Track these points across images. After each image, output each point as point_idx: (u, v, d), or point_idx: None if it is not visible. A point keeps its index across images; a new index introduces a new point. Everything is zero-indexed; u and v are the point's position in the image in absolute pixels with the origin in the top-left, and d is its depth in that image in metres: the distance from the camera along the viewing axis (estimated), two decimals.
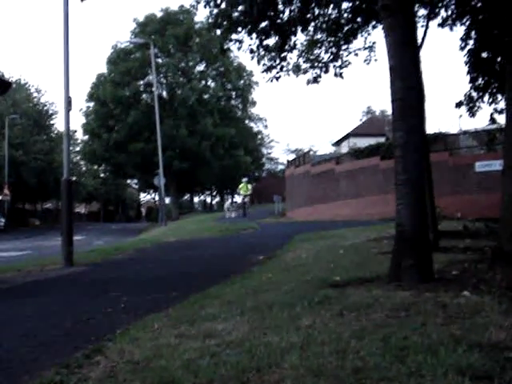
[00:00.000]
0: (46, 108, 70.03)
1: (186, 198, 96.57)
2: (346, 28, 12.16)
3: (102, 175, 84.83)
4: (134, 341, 4.47)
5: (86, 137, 62.36)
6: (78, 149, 73.16)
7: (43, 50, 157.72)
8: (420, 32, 10.50)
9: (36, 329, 5.45)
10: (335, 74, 12.74)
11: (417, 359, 3.33)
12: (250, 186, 37.44)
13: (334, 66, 12.65)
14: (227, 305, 5.73)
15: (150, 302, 6.63)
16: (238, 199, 39.02)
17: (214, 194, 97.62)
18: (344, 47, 12.49)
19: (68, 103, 12.89)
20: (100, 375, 3.62)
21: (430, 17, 11.36)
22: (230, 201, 39.42)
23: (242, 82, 62.31)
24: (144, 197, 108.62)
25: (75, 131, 70.82)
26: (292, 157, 61.87)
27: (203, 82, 59.70)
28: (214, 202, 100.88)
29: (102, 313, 6.14)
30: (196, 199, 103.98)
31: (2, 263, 13.52)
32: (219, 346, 4.01)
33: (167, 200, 58.28)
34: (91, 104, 59.11)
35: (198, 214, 65.22)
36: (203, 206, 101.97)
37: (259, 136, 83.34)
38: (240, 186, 37.42)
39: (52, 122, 71.37)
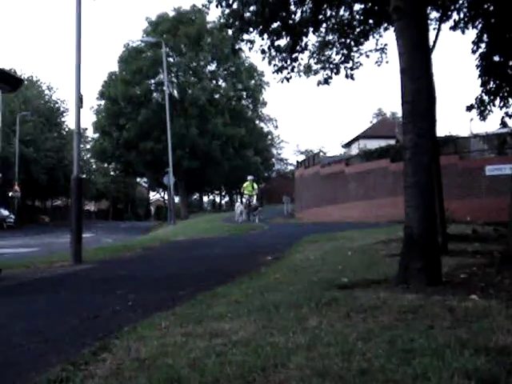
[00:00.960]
0: (57, 105, 70.39)
1: (195, 197, 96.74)
2: (357, 29, 12.14)
3: (111, 173, 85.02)
4: (141, 339, 4.48)
5: (97, 135, 62.58)
6: (88, 147, 73.45)
7: (55, 47, 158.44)
8: (432, 35, 10.49)
9: (43, 325, 5.47)
10: (346, 76, 12.72)
11: (423, 362, 3.32)
12: (255, 186, 30.85)
13: (345, 67, 12.63)
14: (234, 304, 5.73)
15: (158, 301, 6.64)
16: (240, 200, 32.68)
17: (224, 193, 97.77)
18: (355, 49, 12.47)
19: (79, 101, 12.92)
20: (106, 372, 3.63)
21: (442, 19, 11.34)
22: (242, 202, 32.71)
23: (252, 82, 62.33)
24: (153, 195, 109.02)
25: (86, 129, 71.10)
26: (302, 158, 61.92)
27: (214, 82, 59.77)
28: (223, 202, 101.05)
29: (109, 310, 6.15)
30: (205, 199, 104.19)
31: (11, 259, 13.56)
32: (225, 346, 4.01)
33: (176, 199, 58.36)
34: (102, 102, 59.34)
35: (207, 213, 65.28)
36: (212, 205, 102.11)
37: (269, 136, 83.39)
38: (244, 185, 30.89)
39: (63, 120, 71.78)
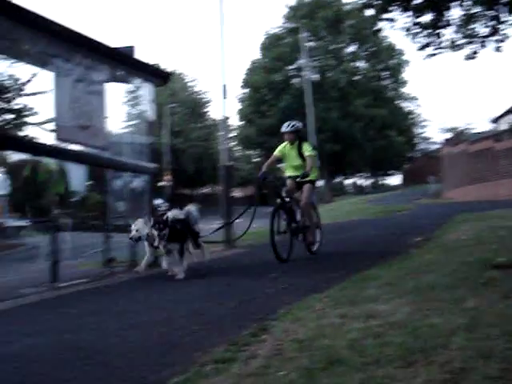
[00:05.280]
0: (200, 96, 72.42)
1: (337, 180, 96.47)
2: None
3: (254, 160, 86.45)
4: (297, 320, 4.58)
5: (242, 122, 63.96)
6: (231, 135, 75.15)
7: (194, 40, 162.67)
8: None
9: (203, 308, 5.72)
10: (493, 49, 12.22)
11: None
12: (308, 149, 9.88)
13: (492, 40, 12.13)
14: (387, 286, 5.70)
15: (309, 283, 6.72)
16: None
17: (368, 176, 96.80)
18: (503, 20, 11.94)
19: (224, 91, 13.26)
20: (268, 352, 3.75)
21: None
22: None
23: (392, 61, 61.18)
24: None
25: (228, 118, 72.70)
26: (447, 136, 60.06)
27: (354, 64, 59.22)
28: (365, 185, 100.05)
29: (263, 293, 6.31)
30: (347, 182, 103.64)
31: None
32: (382, 327, 4.01)
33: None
34: (246, 90, 60.52)
35: (350, 196, 64.89)
36: (355, 188, 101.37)
37: (411, 116, 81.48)
38: (276, 152, 10.66)
39: (206, 110, 73.79)
